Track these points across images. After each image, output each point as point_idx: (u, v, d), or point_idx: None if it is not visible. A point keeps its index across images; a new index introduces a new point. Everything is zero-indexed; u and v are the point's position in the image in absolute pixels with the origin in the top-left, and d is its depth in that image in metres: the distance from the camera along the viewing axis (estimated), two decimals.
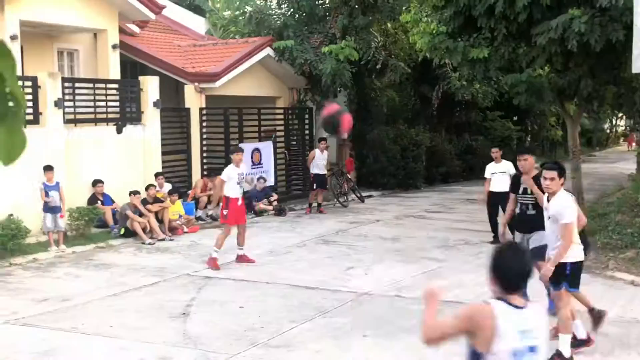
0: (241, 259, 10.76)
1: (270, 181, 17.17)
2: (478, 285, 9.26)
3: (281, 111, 18.77)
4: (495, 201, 12.16)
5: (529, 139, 29.94)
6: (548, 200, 6.36)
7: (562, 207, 6.21)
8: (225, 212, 10.53)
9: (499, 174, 12.27)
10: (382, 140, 20.86)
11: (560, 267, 6.22)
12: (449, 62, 16.59)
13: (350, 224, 14.88)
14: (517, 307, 3.12)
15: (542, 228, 7.08)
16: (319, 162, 16.65)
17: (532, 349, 3.09)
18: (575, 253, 6.24)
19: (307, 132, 19.40)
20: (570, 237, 6.15)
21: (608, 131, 53.28)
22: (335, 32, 18.18)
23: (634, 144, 32.83)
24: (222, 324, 7.65)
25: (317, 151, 16.80)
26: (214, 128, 16.91)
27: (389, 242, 12.74)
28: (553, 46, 12.56)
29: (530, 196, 7.69)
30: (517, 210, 7.84)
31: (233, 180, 10.55)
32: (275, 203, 16.35)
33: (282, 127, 18.65)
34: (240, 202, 10.66)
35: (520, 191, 7.77)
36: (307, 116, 19.35)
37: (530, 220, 7.65)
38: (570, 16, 11.97)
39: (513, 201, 7.98)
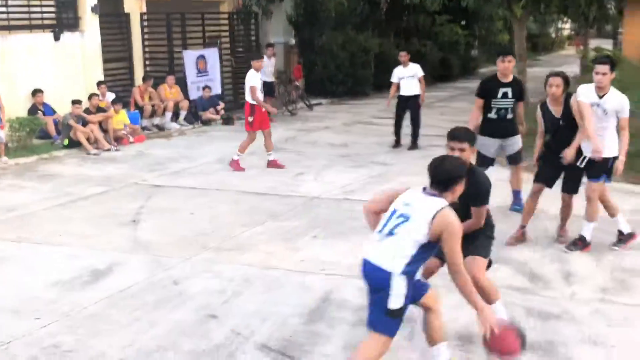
0: (271, 164, 10.88)
1: (217, 89, 16.84)
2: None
3: (226, 16, 18.19)
4: (404, 105, 12.43)
5: (476, 44, 29.90)
6: (600, 97, 6.42)
7: (623, 102, 6.44)
8: (250, 119, 10.65)
9: (407, 78, 12.41)
10: (330, 47, 20.54)
11: (604, 161, 6.50)
12: None
13: (299, 131, 14.85)
14: (422, 191, 4.13)
15: (516, 133, 7.89)
16: (266, 69, 16.26)
17: (403, 216, 4.00)
18: (616, 147, 6.51)
19: (253, 38, 18.93)
20: (628, 130, 6.51)
21: (553, 35, 53.58)
22: None
23: (581, 46, 33.43)
24: (173, 230, 7.67)
25: (264, 58, 16.45)
26: (156, 34, 16.35)
27: (337, 148, 12.80)
28: None
29: (511, 100, 7.74)
30: (493, 116, 7.76)
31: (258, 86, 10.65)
32: (222, 112, 16.14)
33: (227, 33, 18.14)
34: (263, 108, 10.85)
35: (500, 95, 7.70)
36: (253, 21, 18.81)
37: (508, 125, 7.82)
38: None
39: (480, 108, 7.82)
